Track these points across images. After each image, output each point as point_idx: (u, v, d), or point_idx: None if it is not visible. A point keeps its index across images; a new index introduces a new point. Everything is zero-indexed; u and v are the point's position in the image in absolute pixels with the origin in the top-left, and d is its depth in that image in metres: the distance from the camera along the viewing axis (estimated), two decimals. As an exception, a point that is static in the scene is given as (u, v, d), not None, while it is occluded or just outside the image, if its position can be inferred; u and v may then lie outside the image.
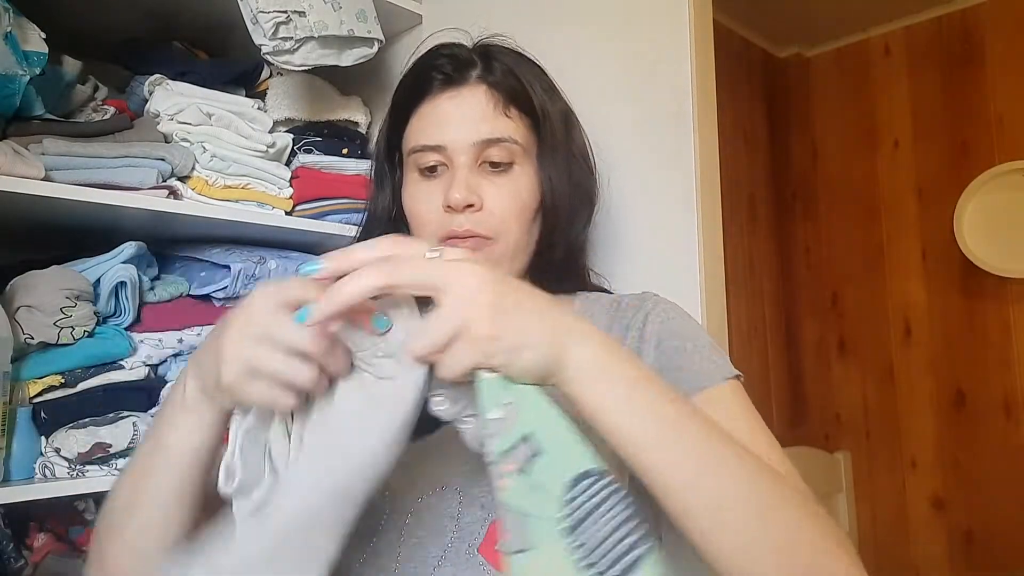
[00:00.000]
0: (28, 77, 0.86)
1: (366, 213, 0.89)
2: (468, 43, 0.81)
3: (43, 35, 0.89)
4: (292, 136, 1.15)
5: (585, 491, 0.42)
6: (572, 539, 0.41)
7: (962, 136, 2.41)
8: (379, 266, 0.46)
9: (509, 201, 0.74)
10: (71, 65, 0.96)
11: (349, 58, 1.02)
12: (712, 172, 1.00)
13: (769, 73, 2.75)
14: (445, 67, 0.76)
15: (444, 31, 0.84)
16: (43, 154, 0.88)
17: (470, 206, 0.72)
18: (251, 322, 0.49)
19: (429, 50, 0.80)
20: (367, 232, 0.86)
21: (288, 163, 1.15)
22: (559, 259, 0.80)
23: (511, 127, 0.75)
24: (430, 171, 0.76)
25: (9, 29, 0.84)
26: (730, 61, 2.45)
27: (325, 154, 1.19)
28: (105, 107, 1.00)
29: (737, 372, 0.68)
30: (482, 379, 0.44)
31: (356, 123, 1.25)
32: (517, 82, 0.77)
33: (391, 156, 0.83)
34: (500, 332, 0.45)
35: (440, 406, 0.49)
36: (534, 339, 0.46)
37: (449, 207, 0.72)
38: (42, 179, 0.86)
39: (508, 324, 0.45)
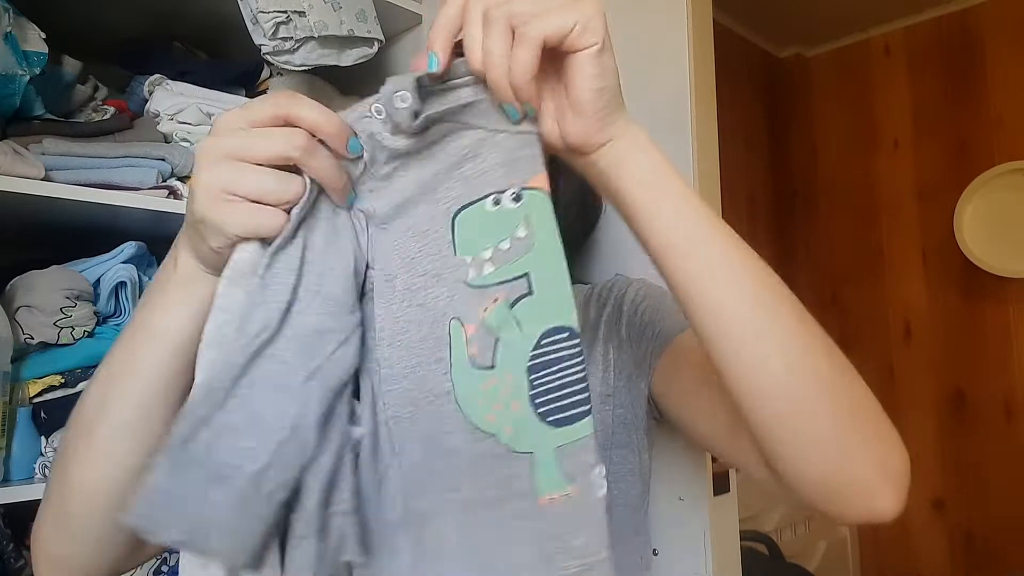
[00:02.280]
0: (28, 77, 0.86)
1: None
2: None
3: (43, 35, 0.89)
4: (292, 136, 1.14)
5: (556, 342, 0.44)
6: (530, 376, 0.44)
7: (962, 136, 2.41)
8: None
9: None
10: (71, 65, 0.96)
11: (349, 58, 1.02)
12: (712, 172, 1.00)
13: (769, 73, 2.75)
14: None
15: None
16: (43, 154, 0.88)
17: None
18: (219, 141, 0.44)
19: None
20: None
21: (288, 163, 1.15)
22: None
23: None
24: None
25: (9, 29, 0.84)
26: (730, 61, 2.45)
27: (325, 154, 1.19)
28: (105, 107, 1.00)
29: None
30: (506, 208, 0.45)
31: (356, 123, 1.25)
32: None
33: None
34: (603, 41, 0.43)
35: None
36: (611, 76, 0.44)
37: None
38: (42, 179, 0.86)
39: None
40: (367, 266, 0.49)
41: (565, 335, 0.44)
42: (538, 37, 0.41)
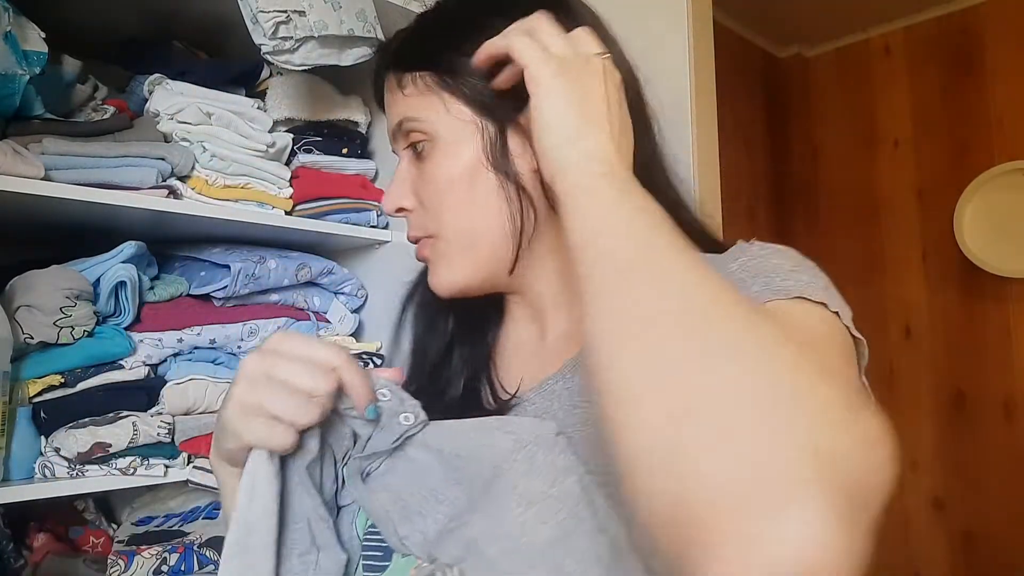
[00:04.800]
0: (28, 77, 0.86)
1: None
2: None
3: (43, 35, 0.89)
4: (292, 136, 1.15)
5: None
6: None
7: (962, 136, 2.41)
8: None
9: (434, 189, 0.61)
10: (71, 65, 0.96)
11: (349, 58, 1.02)
12: (712, 172, 1.00)
13: (769, 73, 2.75)
14: (377, 80, 0.67)
15: None
16: (43, 154, 0.88)
17: (401, 210, 0.64)
18: (265, 361, 0.50)
19: None
20: None
21: (288, 163, 1.15)
22: None
23: (408, 105, 0.61)
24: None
25: (9, 29, 0.84)
26: (730, 61, 2.45)
27: (325, 154, 1.19)
28: (105, 107, 1.00)
29: (821, 300, 0.53)
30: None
31: (356, 123, 1.25)
32: (410, 45, 0.63)
33: None
34: None
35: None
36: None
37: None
38: (42, 179, 0.86)
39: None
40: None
41: None
42: None
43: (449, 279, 0.62)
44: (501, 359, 0.67)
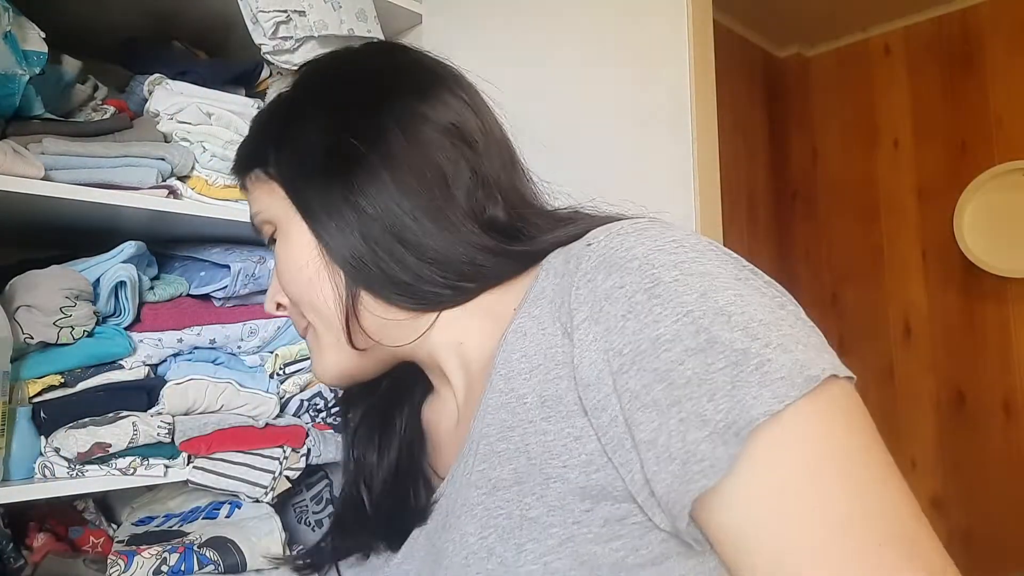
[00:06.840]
0: (28, 77, 0.86)
1: None
2: None
3: (43, 35, 0.89)
4: (292, 136, 1.14)
5: None
6: None
7: (962, 136, 2.42)
8: None
9: (282, 274, 0.60)
10: (71, 65, 0.96)
11: (349, 58, 1.01)
12: (712, 172, 1.00)
13: (769, 73, 2.75)
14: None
15: None
16: (43, 153, 0.88)
17: (279, 306, 0.64)
18: None
19: None
20: None
21: (288, 163, 1.15)
22: (447, 261, 0.53)
23: (252, 201, 0.64)
24: None
25: (9, 29, 0.84)
26: (730, 61, 2.45)
27: (325, 154, 1.19)
28: (105, 107, 1.00)
29: (821, 370, 0.39)
30: None
31: (356, 123, 1.25)
32: (240, 149, 0.66)
33: None
34: None
35: None
36: None
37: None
38: (42, 179, 0.86)
39: None
40: None
41: None
42: None
43: (323, 365, 0.60)
44: (429, 436, 0.64)
